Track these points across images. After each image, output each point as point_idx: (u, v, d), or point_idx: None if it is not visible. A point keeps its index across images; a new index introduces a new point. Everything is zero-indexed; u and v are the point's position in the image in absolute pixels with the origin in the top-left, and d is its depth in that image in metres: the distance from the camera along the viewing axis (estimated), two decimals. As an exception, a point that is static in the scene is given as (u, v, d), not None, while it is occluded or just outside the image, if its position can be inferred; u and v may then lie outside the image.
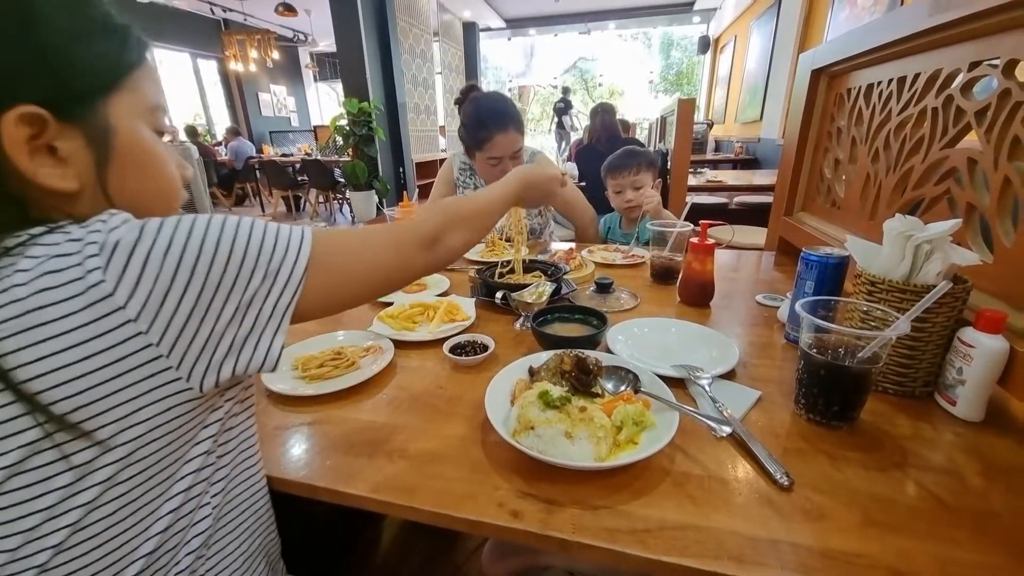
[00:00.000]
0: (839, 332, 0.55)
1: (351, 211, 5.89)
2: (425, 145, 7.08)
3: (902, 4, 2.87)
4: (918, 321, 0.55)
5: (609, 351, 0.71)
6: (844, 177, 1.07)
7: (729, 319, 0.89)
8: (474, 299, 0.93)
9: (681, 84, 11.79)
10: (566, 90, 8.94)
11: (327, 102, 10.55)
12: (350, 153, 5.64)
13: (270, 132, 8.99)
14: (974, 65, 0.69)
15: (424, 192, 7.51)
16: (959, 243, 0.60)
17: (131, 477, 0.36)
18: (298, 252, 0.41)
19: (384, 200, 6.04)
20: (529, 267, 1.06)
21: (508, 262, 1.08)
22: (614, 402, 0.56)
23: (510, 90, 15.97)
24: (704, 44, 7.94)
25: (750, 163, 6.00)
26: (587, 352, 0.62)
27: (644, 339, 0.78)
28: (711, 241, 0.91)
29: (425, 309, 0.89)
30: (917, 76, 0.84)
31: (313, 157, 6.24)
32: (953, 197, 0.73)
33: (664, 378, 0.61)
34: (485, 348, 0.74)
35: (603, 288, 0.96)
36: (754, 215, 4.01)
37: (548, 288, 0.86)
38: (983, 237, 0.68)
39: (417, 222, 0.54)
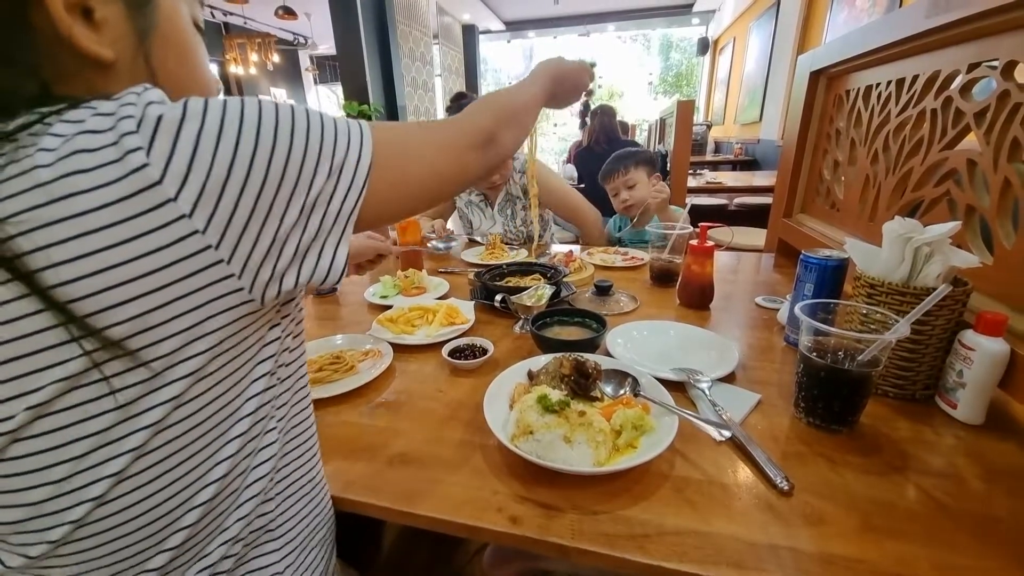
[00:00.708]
0: (839, 335, 0.55)
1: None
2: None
3: (901, 5, 2.87)
4: (918, 324, 0.55)
5: (608, 354, 0.71)
6: (843, 179, 1.07)
7: (728, 322, 0.89)
8: (473, 302, 0.93)
9: (680, 86, 11.80)
10: (589, 92, 8.76)
11: (328, 105, 10.57)
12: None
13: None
14: (973, 66, 0.69)
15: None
16: (959, 245, 0.60)
17: (199, 395, 0.32)
18: (360, 148, 0.36)
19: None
20: (528, 270, 1.06)
21: (512, 263, 1.07)
22: (613, 406, 0.56)
23: (510, 92, 16.01)
24: (703, 46, 7.96)
25: (749, 164, 6.01)
26: (586, 356, 0.61)
27: (643, 342, 0.77)
28: (711, 243, 0.91)
29: (424, 312, 0.89)
30: (916, 78, 0.84)
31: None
32: (953, 199, 0.73)
33: (663, 381, 0.61)
34: (484, 351, 0.74)
35: (602, 291, 0.96)
36: (754, 216, 4.01)
37: (547, 291, 0.86)
38: (983, 239, 0.68)
39: (469, 121, 0.49)
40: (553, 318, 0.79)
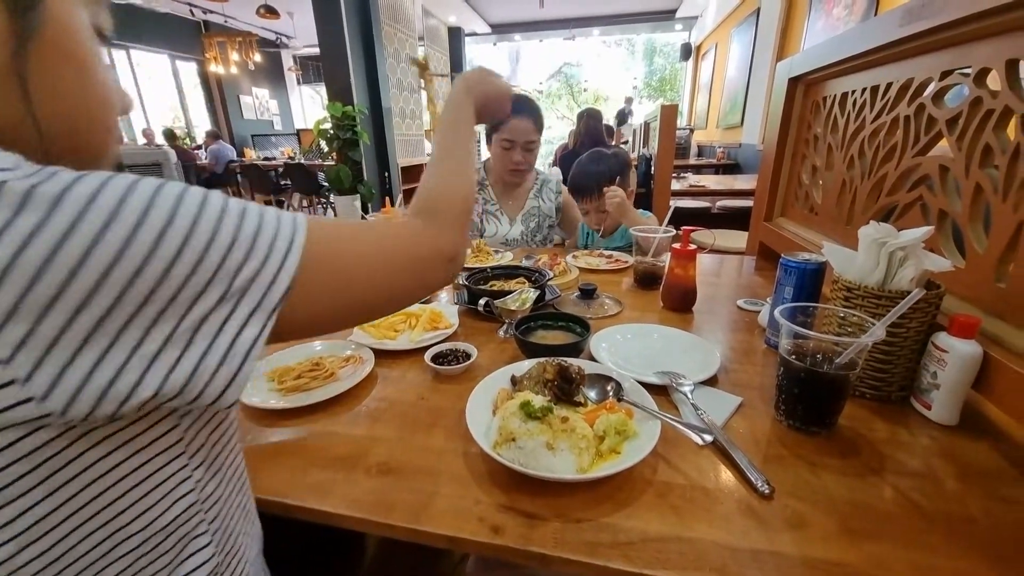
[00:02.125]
0: (817, 339, 0.55)
1: (335, 216, 5.83)
2: (410, 149, 7.06)
3: (876, 14, 2.95)
4: (893, 326, 0.56)
5: (592, 359, 0.71)
6: (821, 183, 1.09)
7: (711, 324, 0.89)
8: (457, 307, 0.92)
9: (664, 90, 11.97)
10: (629, 99, 8.46)
11: (311, 105, 10.45)
12: (334, 157, 5.58)
13: (252, 135, 8.86)
14: (946, 74, 0.71)
15: (409, 196, 7.48)
16: (932, 249, 0.61)
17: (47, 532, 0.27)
18: (282, 261, 0.31)
19: (369, 205, 6.00)
20: (513, 273, 1.06)
21: (496, 267, 1.07)
22: (597, 411, 0.55)
23: (496, 94, 16.01)
24: (686, 51, 8.08)
25: (732, 168, 6.11)
26: (569, 360, 0.61)
27: (627, 346, 0.77)
28: (693, 247, 0.91)
29: (407, 317, 0.87)
30: (890, 85, 0.86)
31: (296, 161, 6.17)
32: (926, 203, 0.74)
33: (647, 386, 0.61)
34: (468, 356, 0.73)
35: (587, 294, 0.96)
36: (736, 219, 4.07)
37: (532, 295, 0.86)
38: (955, 243, 0.69)
39: (431, 235, 0.44)
40: (537, 322, 0.78)
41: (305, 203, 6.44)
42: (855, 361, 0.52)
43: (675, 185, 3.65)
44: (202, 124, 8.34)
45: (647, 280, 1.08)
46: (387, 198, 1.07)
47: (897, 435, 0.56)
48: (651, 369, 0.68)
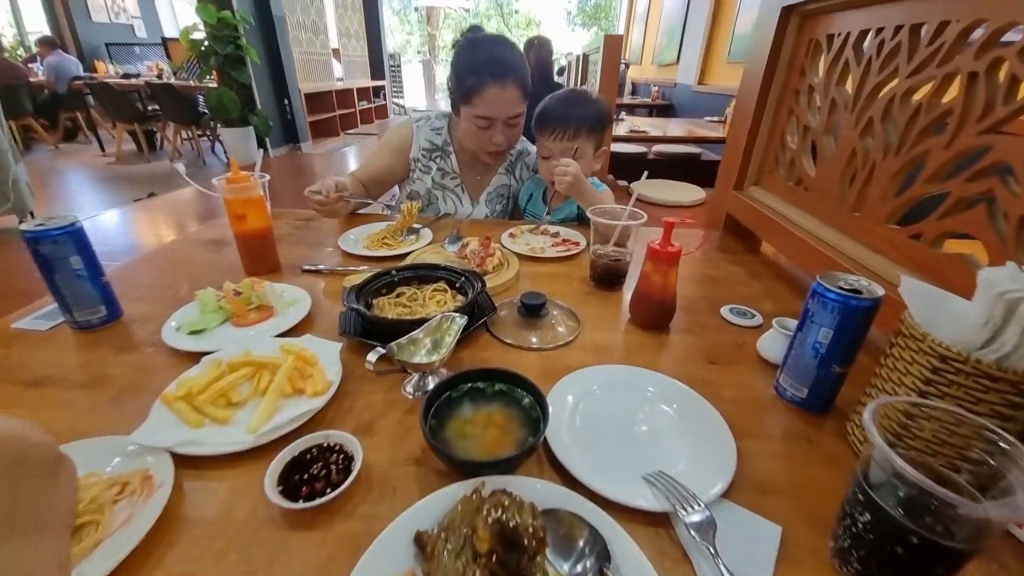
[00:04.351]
0: (966, 511, 0.30)
1: (225, 152, 4.90)
2: (315, 72, 6.02)
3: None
4: None
5: (547, 446, 0.46)
6: (818, 150, 0.87)
7: (694, 352, 0.67)
8: (340, 345, 0.61)
9: (599, 18, 11.29)
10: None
11: (184, 7, 8.49)
12: (214, 77, 4.57)
13: (106, 45, 7.09)
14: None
15: (319, 131, 6.51)
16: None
17: None
18: None
19: (267, 141, 5.10)
20: (430, 276, 0.75)
21: (405, 268, 0.75)
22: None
23: (416, 9, 14.25)
24: (623, -26, 7.49)
25: (666, 110, 5.94)
26: (517, 512, 0.34)
27: (592, 412, 0.53)
28: (675, 246, 0.66)
29: (256, 371, 0.55)
30: (944, 26, 0.62)
31: (164, 81, 4.99)
32: (995, 201, 0.54)
33: (636, 512, 0.37)
34: (346, 467, 0.44)
35: (532, 311, 0.69)
36: (674, 167, 3.94)
37: (457, 325, 0.57)
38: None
39: None
40: (461, 389, 0.50)
41: (185, 135, 5.35)
42: (992, 526, 0.31)
43: (616, 129, 3.37)
44: (41, 29, 6.47)
45: (607, 278, 0.83)
46: (232, 160, 0.66)
47: None
48: (637, 467, 0.44)
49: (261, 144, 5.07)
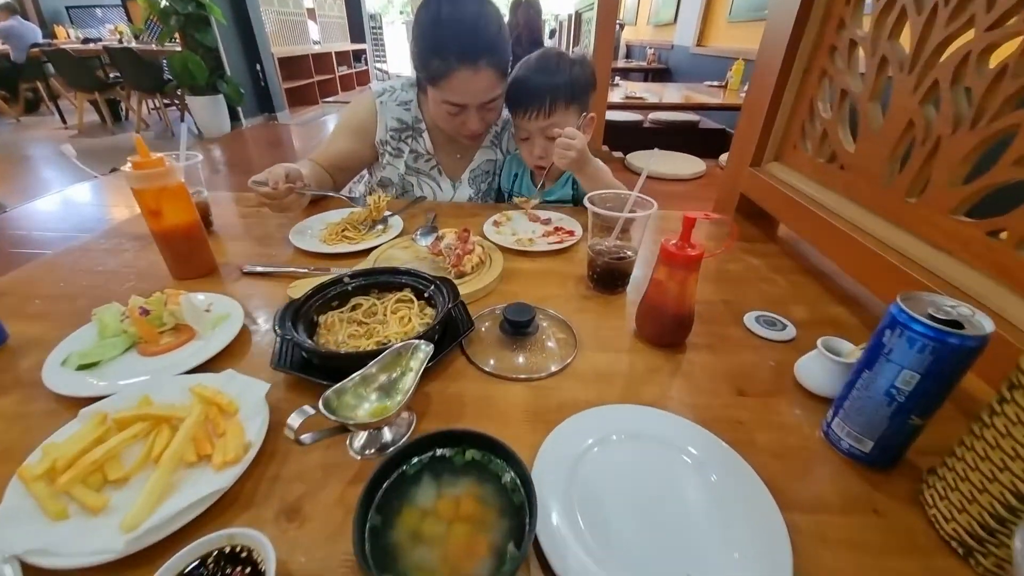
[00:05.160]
0: None
1: (195, 123, 4.59)
2: (289, 34, 5.63)
3: None
4: None
5: (534, 536, 0.34)
6: (860, 120, 0.73)
7: (718, 375, 0.55)
8: (268, 387, 0.47)
9: (591, -25, 10.68)
10: None
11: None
12: (178, 40, 4.23)
13: (67, 8, 6.59)
14: None
15: (296, 99, 6.13)
16: None
17: None
18: None
19: (240, 110, 4.79)
20: (393, 282, 0.61)
21: (360, 272, 0.61)
22: None
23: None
24: (618, -75, 7.01)
25: (662, 74, 5.67)
26: None
27: (595, 488, 0.40)
28: (695, 248, 0.53)
29: (152, 428, 0.42)
30: (1054, -48, 0.47)
31: (124, 45, 4.62)
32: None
33: None
34: None
35: (518, 328, 0.56)
36: (671, 136, 3.75)
37: (421, 356, 0.44)
38: None
39: None
40: (423, 459, 0.37)
41: (152, 105, 5.02)
42: None
43: (610, 96, 3.17)
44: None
45: (608, 279, 0.69)
46: (138, 139, 0.50)
47: None
48: (651, 564, 0.33)
49: (233, 114, 4.76)
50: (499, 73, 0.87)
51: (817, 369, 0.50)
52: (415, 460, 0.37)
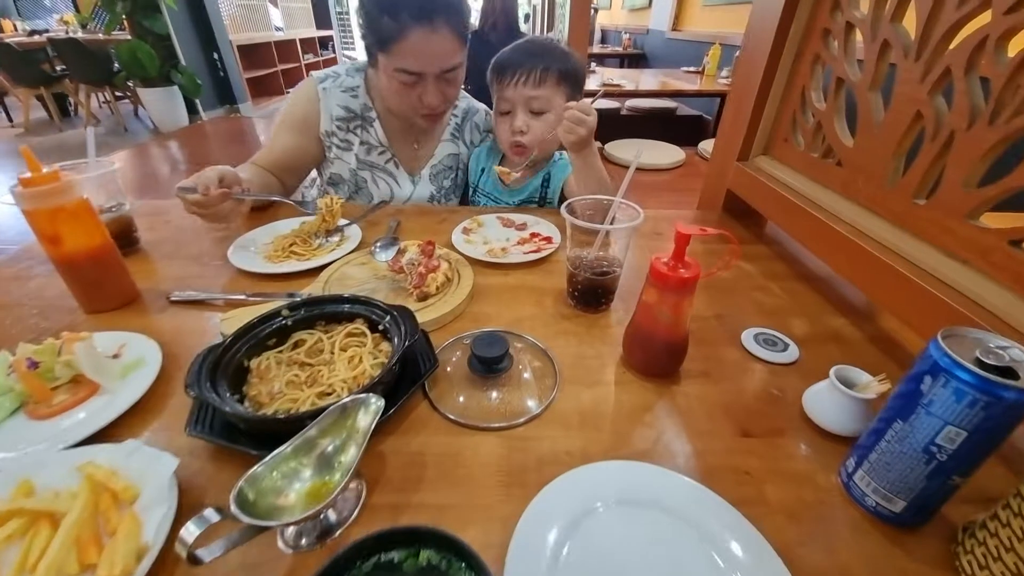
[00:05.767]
0: None
1: (150, 117, 4.32)
2: (248, 20, 5.33)
3: None
4: None
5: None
6: (859, 111, 0.67)
7: (717, 410, 0.48)
8: (176, 464, 0.38)
9: (564, -43, 10.47)
10: None
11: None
12: (126, 28, 3.94)
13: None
14: None
15: (259, 90, 5.84)
16: None
17: None
18: None
19: (198, 103, 4.53)
20: (342, 312, 0.53)
21: (302, 306, 0.52)
22: None
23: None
24: (589, -95, 6.84)
25: (637, 59, 5.58)
26: None
27: (592, 566, 0.33)
28: (688, 269, 0.46)
29: (29, 525, 0.33)
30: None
31: (69, 36, 4.30)
32: None
33: None
34: None
35: (489, 365, 0.48)
36: (649, 123, 3.69)
37: (370, 415, 0.36)
38: None
39: None
40: (361, 569, 0.29)
41: (102, 99, 4.70)
42: None
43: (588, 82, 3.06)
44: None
45: (591, 296, 0.62)
46: (24, 150, 0.38)
47: None
48: None
49: (191, 106, 4.50)
50: (458, 36, 0.78)
51: (829, 404, 0.44)
52: (357, 567, 0.29)
